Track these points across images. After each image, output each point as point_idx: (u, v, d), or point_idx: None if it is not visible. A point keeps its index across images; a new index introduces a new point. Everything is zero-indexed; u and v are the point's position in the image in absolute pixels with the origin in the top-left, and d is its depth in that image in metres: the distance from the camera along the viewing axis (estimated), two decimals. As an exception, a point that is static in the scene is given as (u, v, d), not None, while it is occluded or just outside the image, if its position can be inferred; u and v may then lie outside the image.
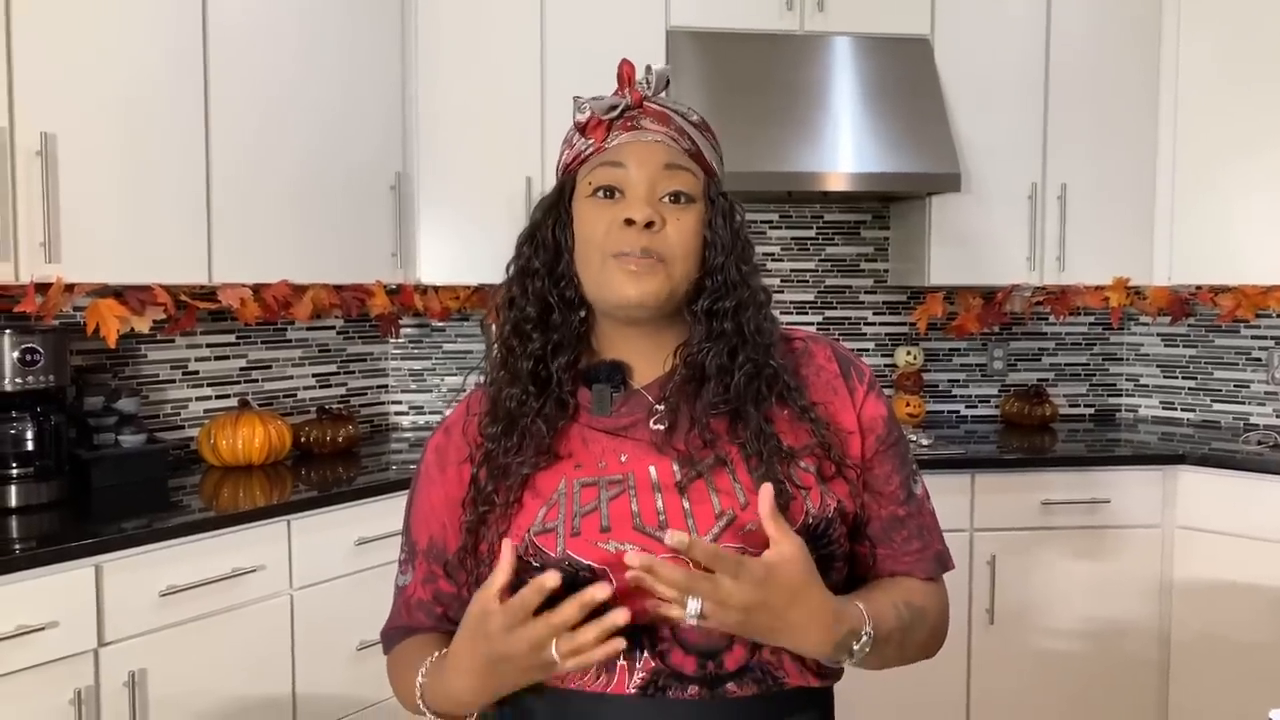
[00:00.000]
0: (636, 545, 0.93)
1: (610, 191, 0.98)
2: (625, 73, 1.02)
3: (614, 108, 1.00)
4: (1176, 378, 3.47)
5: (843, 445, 1.01)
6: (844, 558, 1.02)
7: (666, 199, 0.98)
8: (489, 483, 0.99)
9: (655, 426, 0.99)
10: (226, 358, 2.83)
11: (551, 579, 0.85)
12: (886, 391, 3.28)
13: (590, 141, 1.00)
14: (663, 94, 1.04)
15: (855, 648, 0.92)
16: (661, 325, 1.01)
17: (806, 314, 3.40)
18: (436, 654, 0.98)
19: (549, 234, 1.02)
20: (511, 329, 1.02)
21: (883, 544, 1.05)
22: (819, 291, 3.41)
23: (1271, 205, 2.93)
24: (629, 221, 0.95)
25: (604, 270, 0.97)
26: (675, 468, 0.97)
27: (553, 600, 0.86)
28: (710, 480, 0.96)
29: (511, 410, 1.00)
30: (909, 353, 3.35)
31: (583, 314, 1.03)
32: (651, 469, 0.97)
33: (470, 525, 1.00)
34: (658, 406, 1.00)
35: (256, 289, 2.54)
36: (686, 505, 0.95)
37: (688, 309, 1.00)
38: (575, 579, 0.93)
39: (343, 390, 3.15)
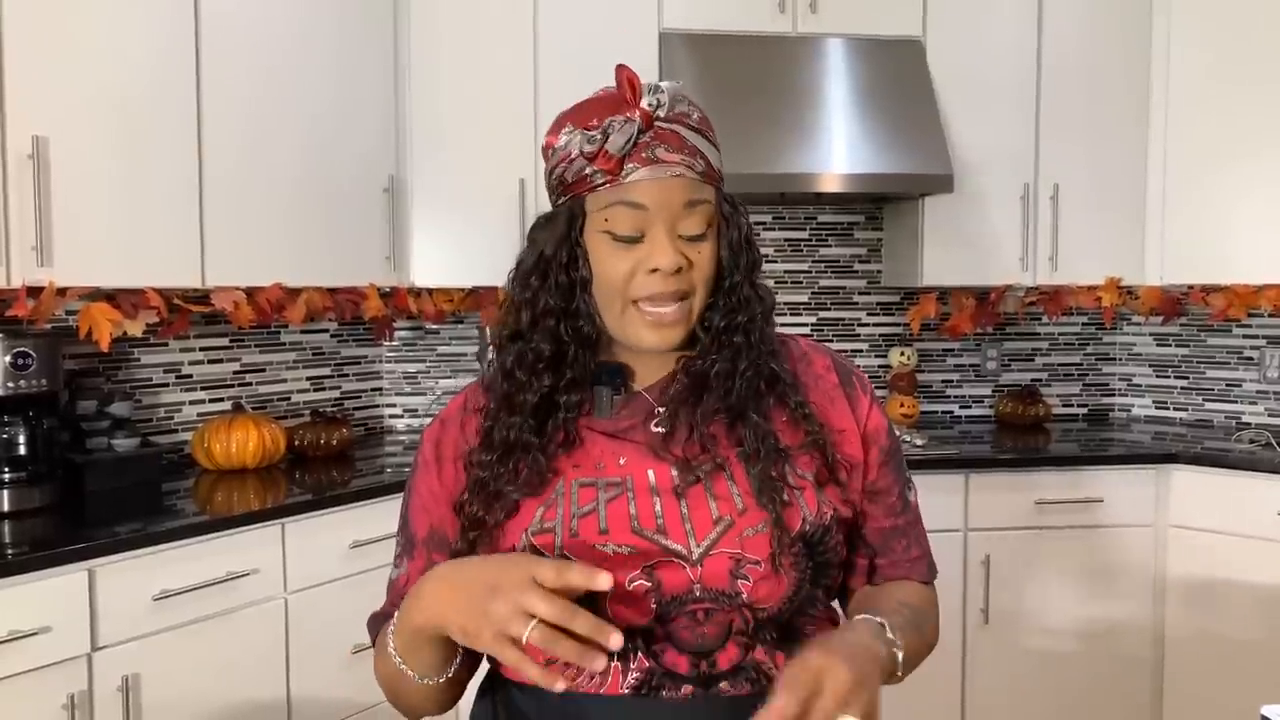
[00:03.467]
0: (634, 549, 0.93)
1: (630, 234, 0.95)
2: (628, 81, 0.94)
3: (628, 140, 0.93)
4: (1169, 377, 3.48)
5: (837, 445, 1.01)
6: (839, 565, 1.02)
7: (685, 236, 0.96)
8: (479, 508, 0.98)
9: (655, 430, 0.99)
10: (220, 361, 2.82)
11: (605, 580, 0.82)
12: (880, 392, 3.29)
13: (600, 171, 0.94)
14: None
15: (890, 637, 0.91)
16: None
17: (800, 315, 3.41)
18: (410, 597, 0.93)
19: (563, 271, 0.97)
20: (517, 362, 0.99)
21: (883, 554, 1.07)
22: (813, 293, 3.42)
23: (1262, 205, 2.94)
24: (654, 269, 0.94)
25: (626, 315, 0.96)
26: (673, 472, 0.97)
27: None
28: (708, 485, 0.96)
29: (508, 440, 0.98)
30: (903, 353, 3.36)
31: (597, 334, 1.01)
32: (650, 472, 0.97)
33: (460, 550, 0.99)
34: (659, 409, 1.00)
35: (250, 292, 2.54)
36: (684, 510, 0.95)
37: (699, 326, 0.99)
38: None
39: (337, 393, 3.14)
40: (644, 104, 0.94)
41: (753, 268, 1.00)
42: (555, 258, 0.98)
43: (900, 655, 0.91)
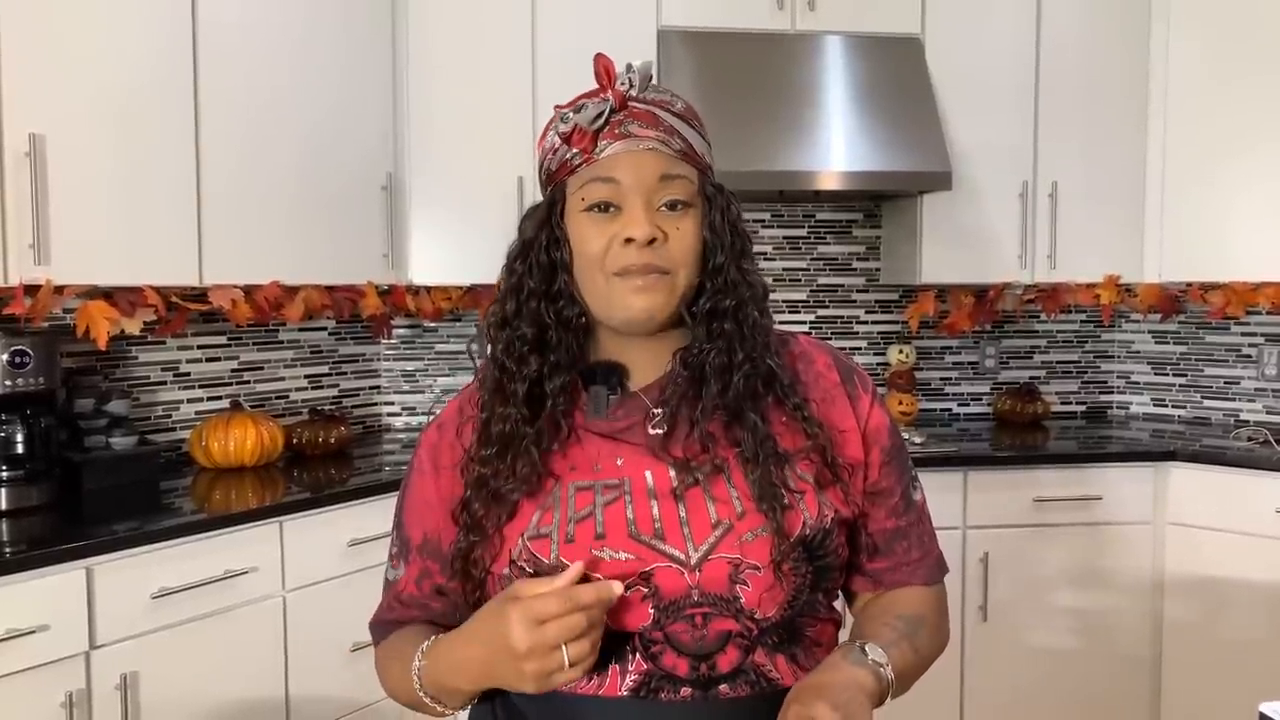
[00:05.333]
0: (631, 554, 0.93)
1: (605, 206, 0.95)
2: (604, 69, 0.97)
3: (599, 116, 0.95)
4: (1167, 374, 3.48)
5: (838, 446, 1.00)
6: (841, 567, 1.01)
7: (663, 207, 0.95)
8: (479, 506, 0.97)
9: (653, 431, 0.98)
10: (218, 359, 2.82)
11: (617, 588, 0.87)
12: (879, 390, 3.29)
13: (577, 152, 0.96)
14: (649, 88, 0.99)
15: (874, 660, 0.92)
16: (662, 329, 0.99)
17: (799, 313, 3.41)
18: (435, 636, 0.97)
19: (543, 252, 0.98)
20: (504, 350, 0.99)
21: (885, 556, 1.05)
22: (811, 290, 3.42)
23: (1260, 202, 2.94)
24: (629, 240, 0.93)
25: (609, 289, 0.95)
26: (672, 474, 0.96)
27: None
28: (707, 488, 0.95)
29: (504, 433, 0.97)
30: (901, 351, 3.36)
31: (581, 321, 1.00)
32: (648, 474, 0.96)
33: (460, 550, 0.99)
34: (655, 410, 0.99)
35: (248, 290, 2.54)
36: (683, 513, 0.94)
37: (687, 311, 0.98)
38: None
39: (335, 391, 3.14)
40: (617, 85, 0.96)
41: (741, 254, 0.99)
42: (536, 240, 0.99)
43: (888, 674, 0.92)
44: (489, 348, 1.02)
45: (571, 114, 0.96)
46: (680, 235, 0.95)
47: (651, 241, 0.93)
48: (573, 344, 0.99)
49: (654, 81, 0.99)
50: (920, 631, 1.01)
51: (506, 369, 0.99)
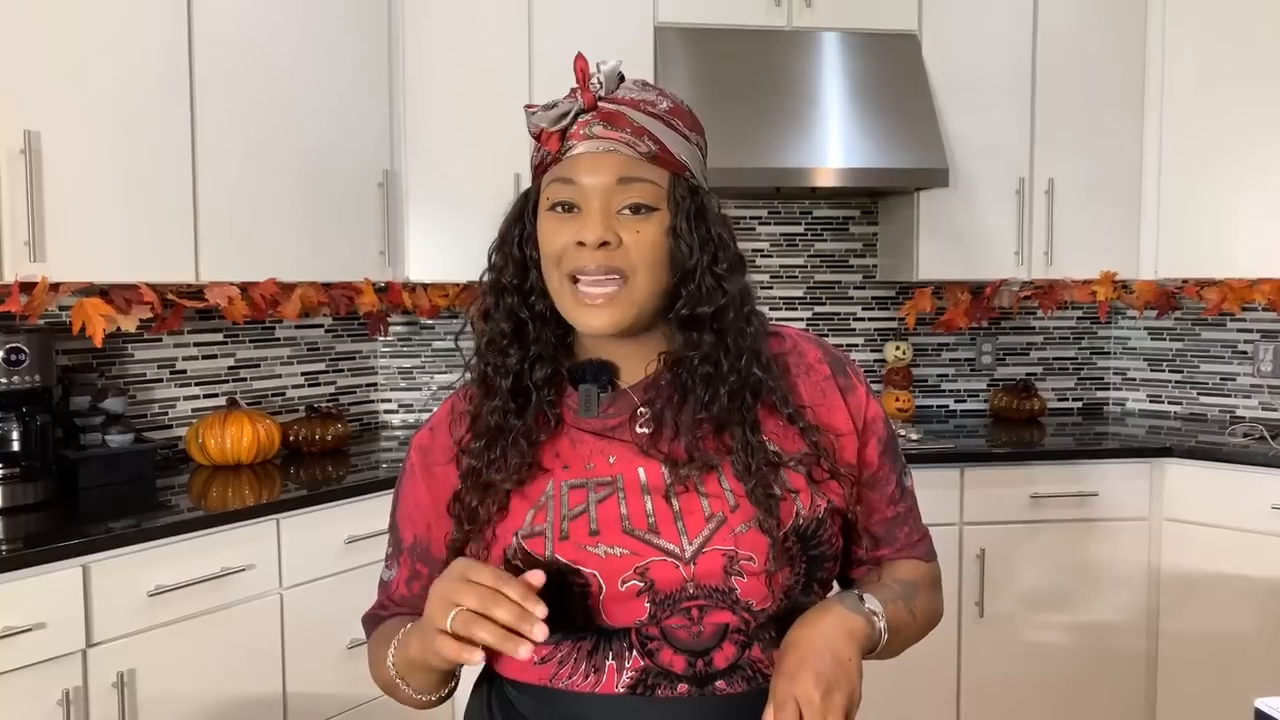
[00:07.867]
0: (626, 549, 0.93)
1: (568, 206, 0.95)
2: (580, 69, 0.95)
3: (564, 115, 0.95)
4: (1163, 371, 3.49)
5: (834, 449, 1.00)
6: (834, 557, 1.01)
7: (625, 210, 0.94)
8: (472, 498, 0.98)
9: (640, 430, 0.98)
10: (214, 357, 2.82)
11: (536, 578, 0.85)
12: (875, 387, 3.30)
13: (549, 152, 0.96)
14: (629, 89, 0.96)
15: (870, 608, 0.93)
16: (642, 331, 0.98)
17: (795, 310, 3.41)
18: (410, 625, 0.97)
19: (516, 247, 1.00)
20: (487, 344, 1.01)
21: (887, 543, 1.07)
22: (808, 287, 3.42)
23: (1256, 200, 2.94)
24: (582, 243, 0.93)
25: (562, 294, 0.95)
26: (664, 470, 0.96)
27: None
28: (699, 484, 0.95)
29: (493, 425, 0.98)
30: (898, 348, 3.36)
31: (559, 317, 1.00)
32: (640, 471, 0.97)
33: (454, 544, 0.99)
34: (642, 410, 0.99)
35: (244, 287, 2.53)
36: (676, 508, 0.95)
37: (664, 317, 0.97)
38: (564, 582, 0.93)
39: (331, 388, 3.14)
40: (590, 86, 0.96)
41: (714, 260, 0.96)
42: (510, 234, 1.01)
43: (882, 624, 0.93)
44: (476, 341, 1.03)
45: (540, 112, 0.96)
46: (638, 240, 0.93)
47: (604, 245, 0.92)
48: (551, 336, 1.00)
49: (626, 79, 0.97)
50: (917, 597, 1.03)
51: (490, 361, 1.00)
